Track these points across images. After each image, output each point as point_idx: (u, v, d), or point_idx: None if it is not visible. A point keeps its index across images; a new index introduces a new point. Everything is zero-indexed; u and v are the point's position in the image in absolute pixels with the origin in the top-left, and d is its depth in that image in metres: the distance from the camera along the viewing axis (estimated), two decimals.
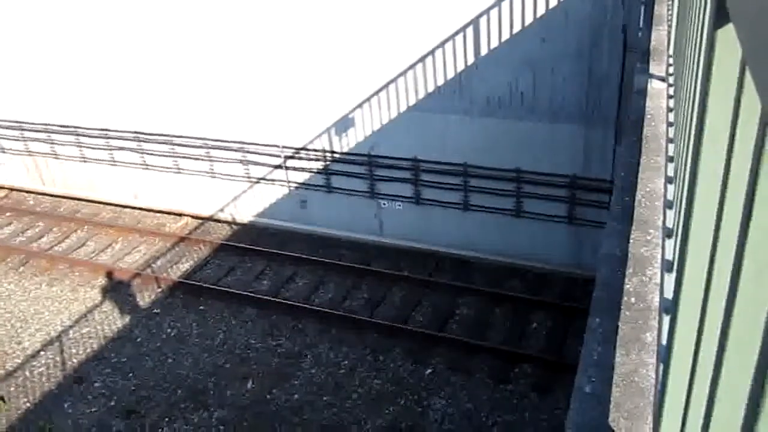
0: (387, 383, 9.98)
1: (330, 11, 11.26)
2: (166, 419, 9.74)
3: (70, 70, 14.32)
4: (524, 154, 11.00)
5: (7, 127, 16.27)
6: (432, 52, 10.87)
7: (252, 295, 11.90)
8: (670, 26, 4.61)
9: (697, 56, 1.94)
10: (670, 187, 2.29)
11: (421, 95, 11.30)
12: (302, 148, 12.90)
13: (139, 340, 11.41)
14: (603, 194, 10.50)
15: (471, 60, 10.69)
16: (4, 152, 16.91)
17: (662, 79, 3.89)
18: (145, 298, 12.49)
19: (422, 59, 10.99)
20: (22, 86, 15.31)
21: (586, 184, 10.78)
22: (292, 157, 13.10)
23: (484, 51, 10.52)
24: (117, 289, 12.79)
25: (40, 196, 16.80)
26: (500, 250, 11.97)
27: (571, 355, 9.57)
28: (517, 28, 10.17)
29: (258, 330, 11.33)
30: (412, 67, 11.13)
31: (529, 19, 10.03)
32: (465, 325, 10.83)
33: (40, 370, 11.01)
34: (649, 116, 3.26)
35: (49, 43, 14.25)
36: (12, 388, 10.65)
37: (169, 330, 11.59)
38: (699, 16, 2.06)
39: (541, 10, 9.88)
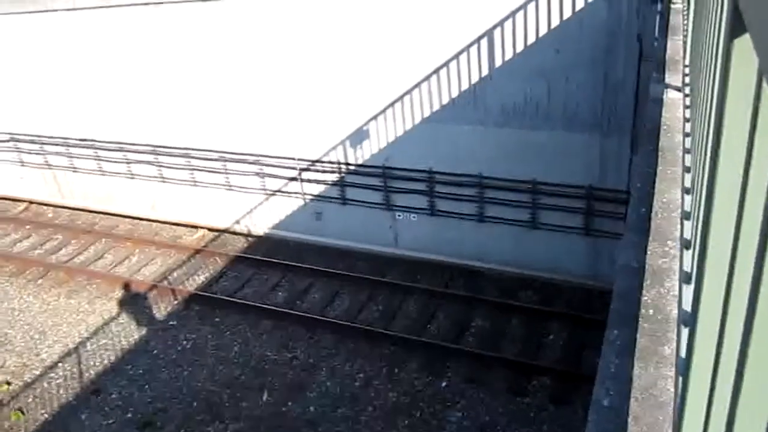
0: (402, 396, 9.93)
1: (345, 24, 11.34)
2: (182, 431, 9.75)
3: (89, 84, 14.52)
4: (539, 164, 10.95)
5: (27, 141, 16.51)
6: (446, 64, 10.89)
7: (267, 307, 11.92)
8: (685, 36, 4.59)
9: (713, 66, 1.93)
10: (687, 198, 2.27)
11: (436, 106, 11.32)
12: (317, 161, 12.95)
13: (155, 351, 11.47)
14: (619, 205, 10.43)
15: (485, 71, 10.70)
16: (23, 165, 17.14)
17: (678, 89, 3.87)
18: (161, 310, 12.56)
19: (437, 71, 11.01)
20: (42, 101, 15.54)
21: (602, 194, 10.70)
22: (307, 170, 13.16)
23: (498, 62, 10.52)
24: (134, 301, 12.89)
25: (58, 209, 17.01)
26: (516, 262, 11.91)
27: (587, 367, 9.48)
28: (531, 38, 10.16)
29: (273, 342, 11.34)
30: (426, 78, 11.16)
31: (543, 29, 10.03)
32: (481, 337, 10.77)
33: (58, 381, 11.09)
34: (665, 126, 3.24)
35: (68, 59, 14.47)
36: (30, 400, 10.74)
37: (185, 342, 11.64)
38: (714, 26, 2.05)
39: (555, 20, 9.88)
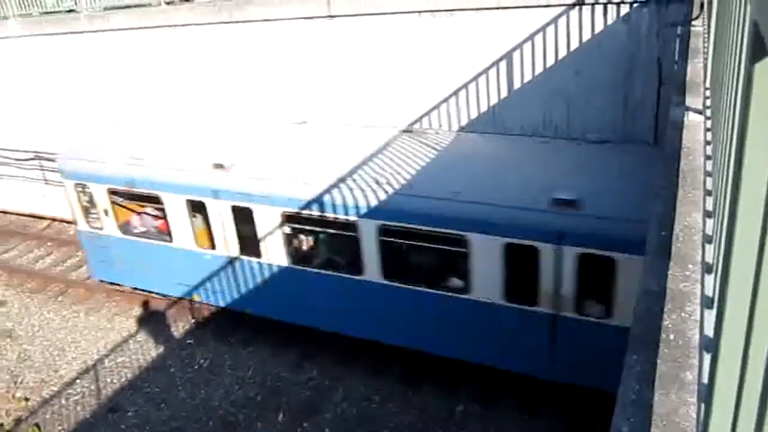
0: (417, 417, 9.84)
1: (365, 48, 11.46)
2: None
3: (111, 105, 14.76)
4: None
5: (51, 159, 16.78)
6: (466, 86, 10.93)
7: (283, 326, 11.90)
8: (706, 59, 4.57)
9: (734, 90, 1.92)
10: (709, 221, 2.24)
11: (455, 127, 11.34)
12: None
13: (172, 370, 11.49)
14: None
15: (504, 93, 10.72)
16: (47, 183, 17.41)
17: (699, 112, 3.84)
18: (179, 328, 12.61)
19: (456, 92, 11.06)
20: (64, 121, 15.82)
21: None
22: None
23: (517, 83, 10.54)
24: (152, 319, 12.95)
25: None
26: None
27: None
28: (550, 60, 10.18)
29: (289, 362, 11.31)
30: (445, 100, 11.21)
31: (562, 52, 10.05)
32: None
33: (76, 398, 11.15)
34: (685, 149, 3.22)
35: (90, 79, 14.74)
36: (48, 416, 10.79)
37: (201, 361, 11.65)
38: (736, 50, 2.04)
39: (574, 43, 9.89)
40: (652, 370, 1.71)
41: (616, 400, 1.82)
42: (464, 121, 11.23)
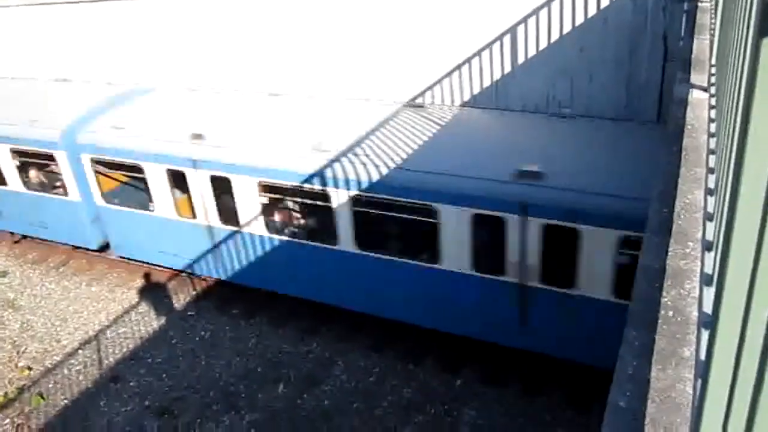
0: (417, 392, 9.94)
1: (363, 20, 11.34)
2: (199, 420, 9.85)
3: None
4: None
5: None
6: (468, 61, 10.84)
7: (284, 299, 11.97)
8: (712, 35, 4.52)
9: (741, 66, 1.90)
10: (711, 199, 2.24)
11: (457, 103, 11.28)
12: None
13: (173, 341, 11.59)
14: None
15: (507, 68, 10.63)
16: None
17: (704, 89, 3.82)
18: (180, 300, 12.68)
19: (458, 67, 10.97)
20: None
21: None
22: None
23: (521, 59, 10.45)
24: (153, 291, 13.03)
25: None
26: None
27: None
28: (554, 35, 10.08)
29: (290, 335, 11.40)
30: (448, 75, 11.12)
31: (567, 27, 9.94)
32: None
33: (78, 368, 11.26)
34: (689, 126, 3.20)
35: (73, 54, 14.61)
36: (50, 385, 10.91)
37: (202, 332, 11.74)
38: (743, 25, 2.02)
39: (579, 18, 9.79)
40: (651, 346, 1.72)
41: (613, 374, 1.83)
42: (466, 97, 11.16)
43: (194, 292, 12.76)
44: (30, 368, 11.35)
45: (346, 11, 11.51)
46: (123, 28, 14.07)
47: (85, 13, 14.39)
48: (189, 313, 12.32)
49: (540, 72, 10.40)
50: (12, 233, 15.22)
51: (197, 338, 11.61)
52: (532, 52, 10.32)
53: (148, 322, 12.21)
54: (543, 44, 10.19)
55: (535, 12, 10.01)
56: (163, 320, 12.21)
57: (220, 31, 12.91)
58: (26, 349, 11.88)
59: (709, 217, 2.13)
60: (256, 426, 9.67)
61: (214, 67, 13.35)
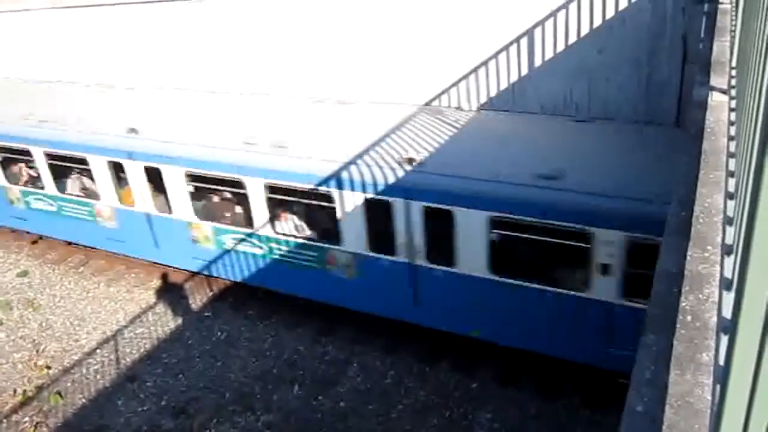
0: (433, 394, 9.92)
1: (377, 21, 11.35)
2: (214, 421, 9.91)
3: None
4: None
5: None
6: (485, 63, 10.82)
7: (300, 301, 12.00)
8: (733, 37, 4.48)
9: (762, 68, 1.88)
10: (730, 203, 2.22)
11: (474, 105, 11.25)
12: None
13: (190, 342, 11.67)
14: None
15: (525, 70, 10.59)
16: None
17: (724, 92, 3.78)
18: (196, 300, 12.77)
19: (475, 69, 10.95)
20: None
21: None
22: None
23: (538, 61, 10.41)
24: (170, 291, 13.13)
25: None
26: None
27: None
28: (572, 37, 10.03)
29: (306, 336, 11.43)
30: (465, 77, 11.10)
31: (585, 29, 9.89)
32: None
33: (96, 367, 11.38)
34: (708, 130, 3.17)
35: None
36: (69, 384, 11.04)
37: (219, 333, 11.81)
38: (765, 27, 2.00)
39: (597, 19, 9.73)
40: (668, 351, 1.71)
41: (630, 379, 1.82)
42: (483, 99, 11.13)
43: (211, 293, 12.84)
44: (49, 367, 11.48)
45: (361, 13, 11.53)
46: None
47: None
48: (205, 313, 12.40)
49: (558, 74, 10.35)
50: (28, 233, 15.44)
51: (213, 339, 11.68)
52: (549, 54, 10.28)
53: (165, 322, 12.31)
54: (561, 46, 10.15)
55: (553, 14, 9.97)
56: (179, 321, 12.30)
57: (220, 32, 13.00)
58: (45, 348, 12.02)
59: (729, 221, 2.11)
60: (272, 427, 9.71)
61: (211, 69, 13.45)
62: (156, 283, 13.44)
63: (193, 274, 13.04)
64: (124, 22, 13.93)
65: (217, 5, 12.65)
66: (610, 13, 9.62)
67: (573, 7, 9.81)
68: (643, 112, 9.96)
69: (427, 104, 11.54)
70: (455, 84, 11.25)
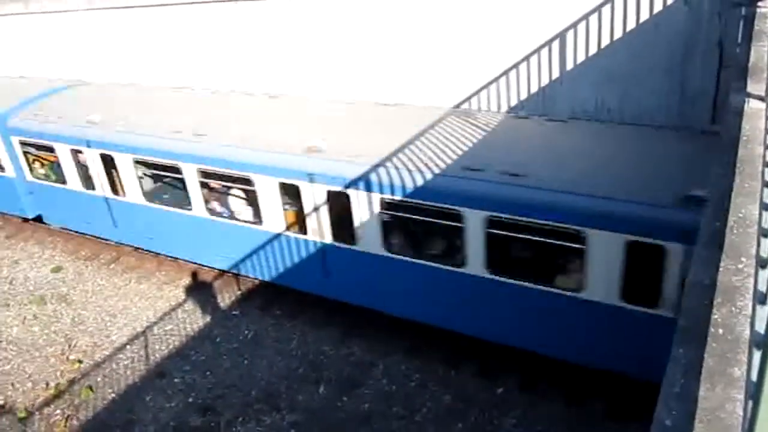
0: (458, 398, 9.89)
1: (411, 27, 11.37)
2: (240, 419, 10.00)
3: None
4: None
5: None
6: (516, 66, 10.76)
7: (326, 301, 12.05)
8: None
9: None
10: (766, 214, 2.18)
11: (503, 109, 11.19)
12: None
13: (217, 339, 11.80)
14: None
15: (555, 74, 10.51)
16: None
17: (761, 98, 3.71)
18: (225, 299, 12.91)
19: (506, 73, 10.89)
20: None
21: None
22: None
23: (570, 65, 10.32)
24: (199, 289, 13.29)
25: None
26: None
27: None
28: (605, 41, 9.93)
29: (332, 337, 11.48)
30: (495, 80, 11.06)
31: (617, 32, 9.78)
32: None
33: (126, 362, 11.57)
34: (744, 138, 3.12)
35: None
36: (99, 378, 11.24)
37: (246, 332, 11.92)
38: None
39: (631, 24, 9.61)
40: (699, 364, 1.69)
41: (659, 391, 1.80)
42: (513, 102, 11.07)
43: (239, 292, 12.97)
44: (80, 361, 11.71)
45: (391, 15, 11.56)
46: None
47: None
48: (233, 312, 12.53)
49: (589, 78, 10.25)
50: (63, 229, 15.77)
51: (240, 337, 11.79)
52: (581, 57, 10.18)
53: (193, 320, 12.46)
54: (593, 50, 10.04)
55: (585, 17, 9.87)
56: (208, 318, 12.44)
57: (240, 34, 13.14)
58: (77, 342, 12.26)
59: (764, 233, 2.07)
60: (296, 426, 9.77)
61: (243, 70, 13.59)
62: (185, 280, 13.62)
63: (222, 272, 13.19)
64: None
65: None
66: (644, 16, 9.50)
67: (606, 10, 9.70)
68: (677, 119, 9.81)
69: (456, 107, 11.52)
70: (485, 86, 11.20)
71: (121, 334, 12.33)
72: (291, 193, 10.71)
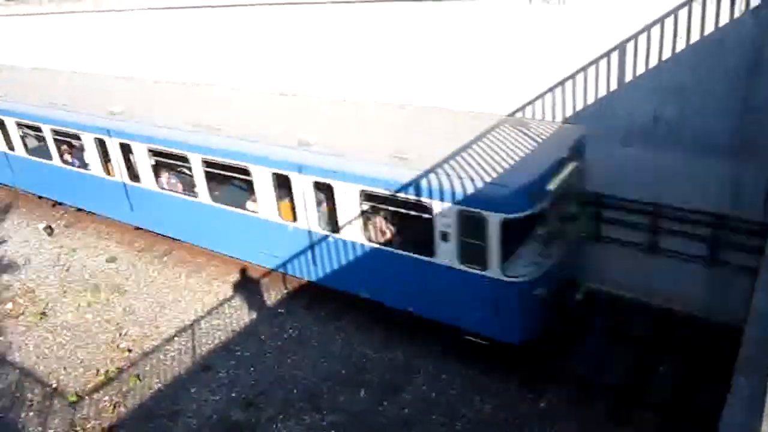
0: (499, 409, 9.78)
1: (468, 38, 11.33)
2: (281, 416, 10.11)
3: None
4: (664, 187, 10.42)
5: None
6: (573, 76, 10.60)
7: (370, 304, 12.06)
8: None
9: None
10: None
11: (558, 119, 11.04)
12: None
13: (262, 337, 11.96)
14: (754, 237, 9.69)
15: (614, 86, 10.31)
16: None
17: None
18: (271, 297, 13.08)
19: (562, 83, 10.74)
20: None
21: (733, 224, 10.01)
22: None
23: (629, 77, 10.10)
24: (247, 286, 13.50)
25: None
26: (629, 286, 11.38)
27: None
28: (666, 53, 9.69)
29: (375, 340, 11.50)
30: (550, 90, 10.92)
31: (680, 45, 9.53)
32: (584, 364, 10.35)
33: (173, 354, 11.84)
34: None
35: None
36: (147, 368, 11.53)
37: (290, 330, 12.05)
38: None
39: (694, 36, 9.35)
40: (762, 397, 1.63)
41: (719, 422, 1.75)
42: (569, 112, 10.89)
43: (285, 291, 13.12)
44: (130, 350, 12.04)
45: (447, 22, 11.55)
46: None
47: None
48: (279, 310, 12.68)
49: (648, 91, 10.01)
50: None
51: (285, 336, 11.93)
52: (641, 70, 9.96)
53: (240, 316, 12.67)
54: (653, 62, 9.81)
55: (647, 29, 9.66)
56: (254, 315, 12.63)
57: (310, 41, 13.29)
58: (128, 331, 12.61)
59: None
60: (336, 428, 9.82)
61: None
62: (234, 276, 13.86)
63: (270, 270, 13.37)
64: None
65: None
66: (708, 29, 9.23)
67: (669, 21, 9.48)
68: (740, 135, 9.49)
69: (510, 115, 11.42)
70: (540, 96, 11.07)
71: (169, 326, 12.62)
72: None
